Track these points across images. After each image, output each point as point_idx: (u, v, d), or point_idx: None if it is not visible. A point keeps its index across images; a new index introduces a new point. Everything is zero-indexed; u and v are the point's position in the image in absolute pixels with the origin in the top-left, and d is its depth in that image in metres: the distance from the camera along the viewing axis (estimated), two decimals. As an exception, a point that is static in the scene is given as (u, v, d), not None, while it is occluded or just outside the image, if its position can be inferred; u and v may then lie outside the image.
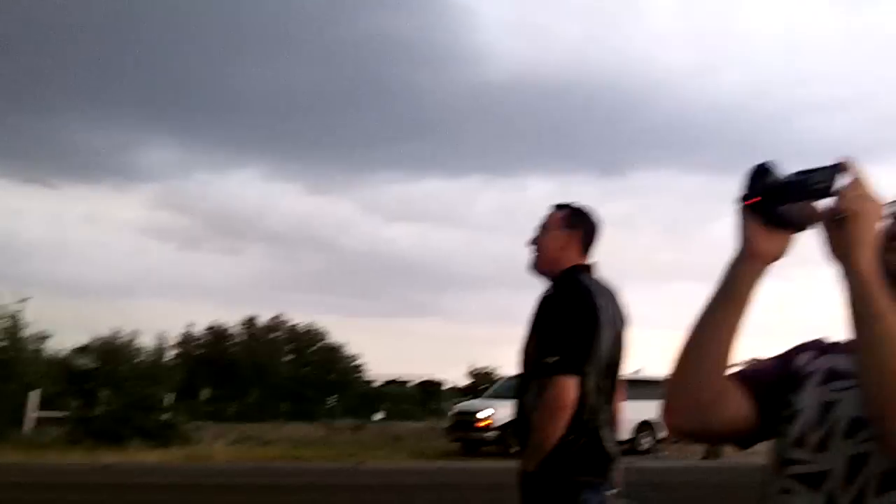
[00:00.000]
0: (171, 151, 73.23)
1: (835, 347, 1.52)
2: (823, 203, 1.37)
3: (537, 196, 68.52)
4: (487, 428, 20.47)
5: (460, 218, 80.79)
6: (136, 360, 53.82)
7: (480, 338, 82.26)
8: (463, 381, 55.67)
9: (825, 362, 1.53)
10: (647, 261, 73.55)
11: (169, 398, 27.01)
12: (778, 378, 1.57)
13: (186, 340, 62.86)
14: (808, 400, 1.50)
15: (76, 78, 58.90)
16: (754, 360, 1.66)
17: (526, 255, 3.62)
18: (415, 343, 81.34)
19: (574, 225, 3.58)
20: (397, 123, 71.81)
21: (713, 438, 1.70)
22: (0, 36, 51.77)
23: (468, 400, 27.71)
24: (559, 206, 3.64)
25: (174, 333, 59.49)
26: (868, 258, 1.33)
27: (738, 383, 1.52)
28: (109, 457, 19.55)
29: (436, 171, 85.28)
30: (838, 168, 1.35)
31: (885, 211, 1.39)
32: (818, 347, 1.58)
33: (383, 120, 72.51)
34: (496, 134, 73.98)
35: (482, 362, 55.38)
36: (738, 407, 1.52)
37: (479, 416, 21.15)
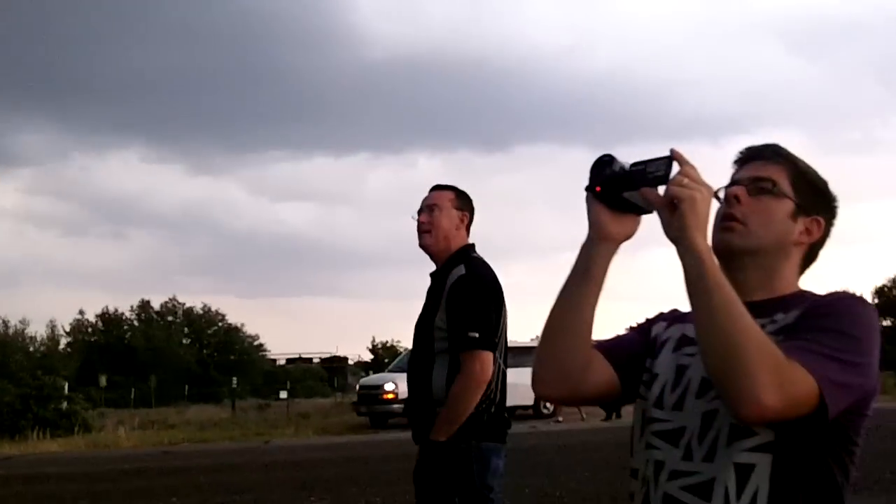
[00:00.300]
0: (46, 135, 70.88)
1: (686, 316, 1.68)
2: (660, 189, 1.53)
3: (426, 173, 69.07)
4: (393, 400, 20.74)
5: (351, 196, 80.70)
6: (28, 350, 52.38)
7: (380, 313, 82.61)
8: (367, 355, 55.83)
9: (678, 330, 1.70)
10: (537, 232, 75.01)
11: (66, 386, 26.38)
12: (637, 347, 1.75)
13: (79, 328, 61.30)
14: (664, 365, 1.68)
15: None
16: (637, 324, 1.88)
17: (415, 232, 3.75)
18: (315, 321, 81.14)
19: (463, 206, 3.76)
20: (281, 104, 71.20)
21: (581, 402, 1.90)
22: None
23: (373, 374, 27.94)
24: (442, 187, 3.81)
25: (65, 321, 58.00)
26: (701, 237, 1.47)
27: (600, 353, 1.71)
28: (10, 449, 19.12)
29: (322, 150, 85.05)
30: (670, 158, 1.52)
31: (713, 195, 1.55)
32: (672, 317, 1.78)
33: (266, 100, 71.81)
34: (381, 112, 74.18)
35: (383, 337, 55.68)
36: (602, 374, 1.68)
37: (385, 388, 21.44)
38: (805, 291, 1.66)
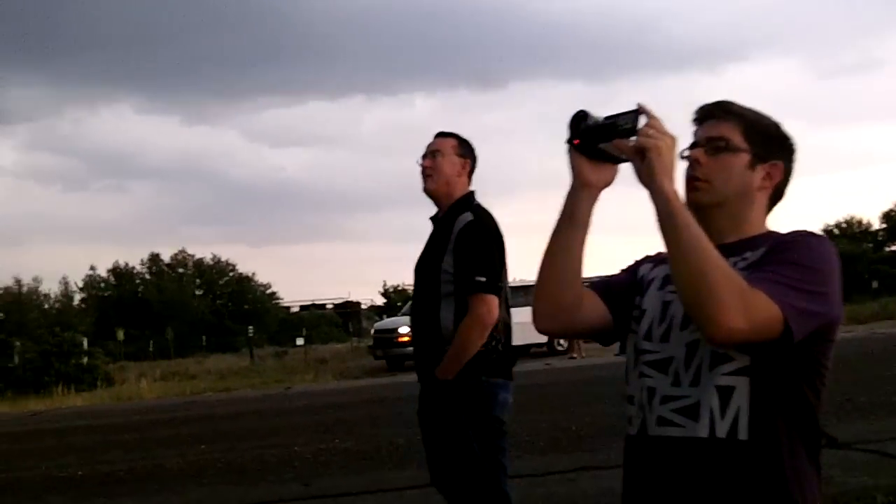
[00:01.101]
0: (39, 90, 69.87)
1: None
2: (630, 140, 1.72)
3: (422, 113, 68.38)
4: (409, 343, 20.85)
5: (348, 139, 79.80)
6: (44, 307, 52.80)
7: (388, 256, 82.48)
8: (379, 299, 56.08)
9: (662, 270, 1.88)
10: (540, 168, 74.40)
11: (85, 341, 26.75)
12: (626, 286, 1.96)
13: (92, 283, 61.71)
14: (651, 301, 1.86)
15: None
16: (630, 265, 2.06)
17: (418, 176, 3.86)
18: (324, 266, 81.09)
19: (465, 153, 3.88)
20: (269, 47, 69.99)
21: (577, 335, 2.11)
22: None
23: (387, 318, 28.17)
24: (445, 134, 3.92)
25: (76, 277, 58.29)
26: (668, 182, 1.65)
27: (593, 291, 1.92)
28: (37, 404, 19.49)
29: (316, 94, 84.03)
30: (638, 111, 1.70)
31: (678, 144, 1.72)
32: (657, 259, 1.97)
33: (254, 45, 70.42)
34: (373, 53, 72.83)
35: (394, 280, 55.88)
36: (595, 310, 1.88)
37: (400, 332, 21.65)
38: (772, 231, 1.84)
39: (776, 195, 1.86)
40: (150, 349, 41.52)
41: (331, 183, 79.31)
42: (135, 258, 62.71)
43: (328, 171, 79.98)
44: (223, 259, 64.94)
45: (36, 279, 55.04)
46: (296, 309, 62.72)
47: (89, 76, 72.25)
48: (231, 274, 64.90)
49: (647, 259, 1.98)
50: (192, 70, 74.46)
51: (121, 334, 38.50)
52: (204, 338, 48.08)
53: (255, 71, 74.81)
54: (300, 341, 32.60)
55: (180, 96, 76.97)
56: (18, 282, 53.96)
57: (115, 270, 62.44)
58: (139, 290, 60.96)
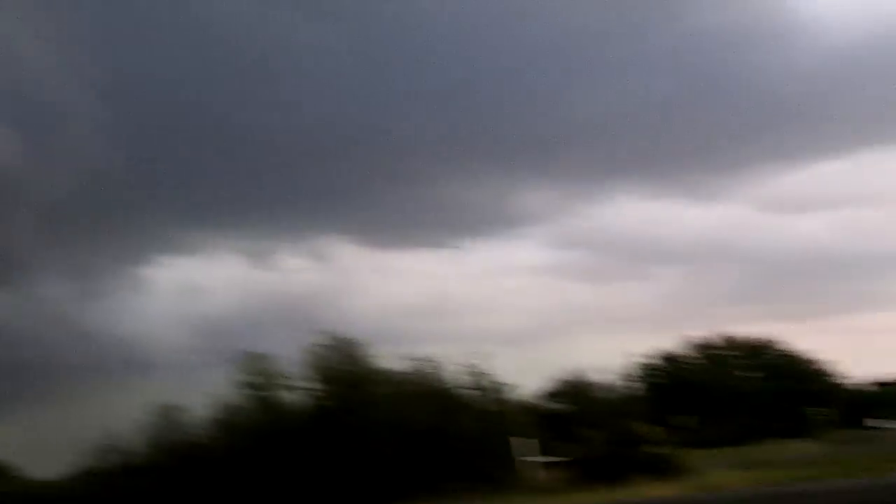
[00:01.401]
0: (546, 191, 74.60)
1: None
2: None
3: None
4: None
5: (870, 196, 73.27)
6: (605, 398, 54.89)
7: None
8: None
9: None
10: None
11: (654, 430, 26.77)
12: None
13: (641, 370, 62.90)
14: None
15: (443, 145, 62.60)
16: None
17: None
18: (880, 336, 74.30)
19: None
20: (756, 112, 67.25)
21: None
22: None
23: None
24: None
25: (619, 366, 59.91)
26: None
27: None
28: (616, 494, 19.58)
29: (818, 154, 79.04)
30: None
31: None
32: None
33: (740, 112, 68.30)
34: (866, 101, 66.53)
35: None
36: None
37: None
38: None
39: None
40: (712, 435, 40.65)
41: (862, 244, 73.52)
42: (667, 342, 62.88)
43: (856, 232, 74.35)
44: (765, 337, 62.47)
45: (592, 370, 57.45)
46: (861, 386, 57.83)
47: (588, 172, 76.41)
48: (778, 352, 62.08)
49: None
50: (687, 148, 75.15)
51: (686, 421, 38.09)
52: (765, 422, 46.08)
53: (749, 138, 73.23)
54: (879, 422, 29.54)
55: (680, 177, 77.84)
56: (578, 374, 56.78)
57: (663, 357, 63.04)
58: (689, 374, 60.70)
